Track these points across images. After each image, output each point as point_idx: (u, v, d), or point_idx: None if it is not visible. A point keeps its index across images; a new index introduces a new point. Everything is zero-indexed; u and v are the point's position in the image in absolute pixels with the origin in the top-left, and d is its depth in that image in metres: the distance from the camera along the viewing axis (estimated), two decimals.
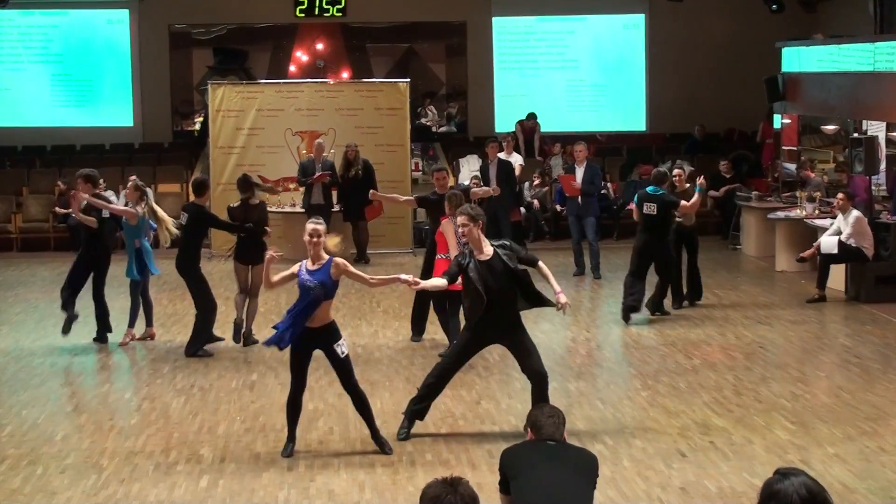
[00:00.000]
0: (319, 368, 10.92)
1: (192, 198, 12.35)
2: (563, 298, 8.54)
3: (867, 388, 10.00)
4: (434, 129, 25.45)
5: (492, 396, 9.87)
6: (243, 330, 11.87)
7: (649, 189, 12.71)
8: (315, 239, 8.17)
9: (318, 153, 16.90)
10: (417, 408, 8.76)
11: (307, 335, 8.23)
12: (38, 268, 16.93)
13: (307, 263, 8.25)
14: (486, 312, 8.42)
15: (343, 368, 8.33)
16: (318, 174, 16.66)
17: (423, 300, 11.66)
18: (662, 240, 12.68)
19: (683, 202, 12.71)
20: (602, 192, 17.02)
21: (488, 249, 8.46)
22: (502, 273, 8.42)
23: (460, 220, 8.53)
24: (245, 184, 11.89)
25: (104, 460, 8.33)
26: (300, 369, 8.37)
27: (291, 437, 8.47)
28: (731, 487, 7.63)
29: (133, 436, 8.92)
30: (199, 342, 11.52)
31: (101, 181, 12.56)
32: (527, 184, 19.12)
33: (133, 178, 12.31)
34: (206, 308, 11.55)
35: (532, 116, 21.49)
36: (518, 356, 8.68)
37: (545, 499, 5.30)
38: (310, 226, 8.24)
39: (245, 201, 11.78)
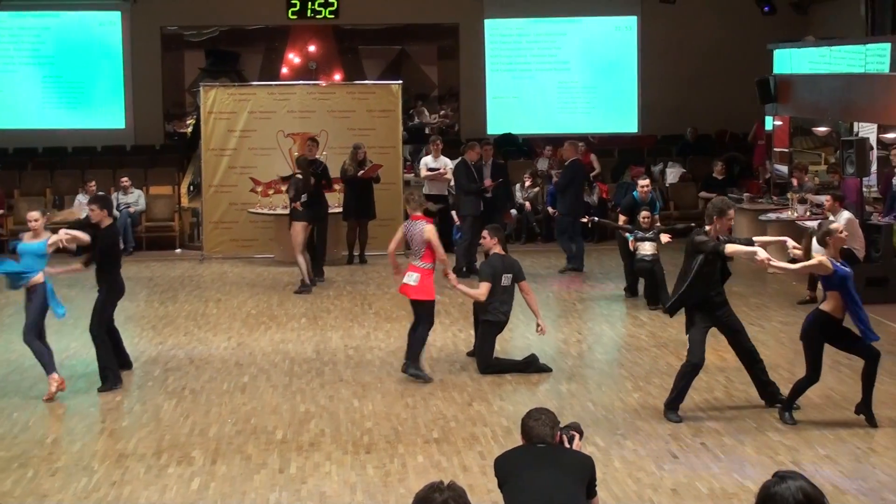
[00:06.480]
0: (311, 371, 10.94)
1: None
2: None
3: (858, 390, 9.96)
4: (426, 130, 25.47)
5: (483, 398, 9.87)
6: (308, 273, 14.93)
7: None
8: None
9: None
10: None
11: None
12: None
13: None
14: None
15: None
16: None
17: None
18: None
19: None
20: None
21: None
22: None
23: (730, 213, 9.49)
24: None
25: (95, 463, 8.32)
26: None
27: (788, 407, 9.13)
28: (722, 488, 7.64)
29: (124, 438, 8.91)
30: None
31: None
32: (518, 185, 19.13)
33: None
34: None
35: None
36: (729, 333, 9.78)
37: (534, 500, 5.29)
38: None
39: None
